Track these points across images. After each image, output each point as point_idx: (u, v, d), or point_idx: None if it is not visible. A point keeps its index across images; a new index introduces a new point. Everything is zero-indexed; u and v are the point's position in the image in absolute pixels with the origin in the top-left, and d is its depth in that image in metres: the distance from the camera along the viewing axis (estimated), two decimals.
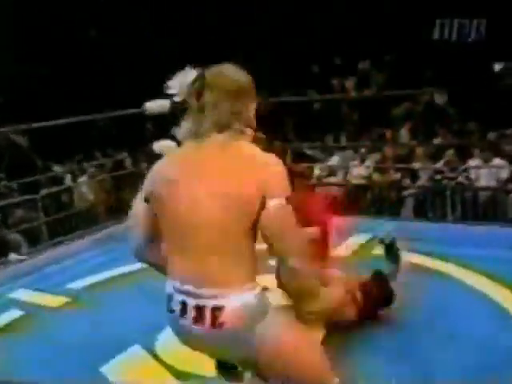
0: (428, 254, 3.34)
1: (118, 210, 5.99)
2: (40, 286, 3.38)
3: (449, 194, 5.35)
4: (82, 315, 2.93)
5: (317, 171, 6.38)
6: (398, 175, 6.05)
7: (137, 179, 5.76)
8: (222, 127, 1.36)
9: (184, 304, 1.35)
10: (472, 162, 5.82)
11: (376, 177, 6.10)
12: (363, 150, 6.48)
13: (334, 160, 6.61)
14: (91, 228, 4.80)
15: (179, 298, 1.37)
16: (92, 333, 2.68)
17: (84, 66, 10.40)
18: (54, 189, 6.27)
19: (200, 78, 1.38)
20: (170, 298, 1.40)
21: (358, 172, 6.15)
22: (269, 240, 1.30)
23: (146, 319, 2.71)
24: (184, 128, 1.39)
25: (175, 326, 1.40)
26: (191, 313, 1.33)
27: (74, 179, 7.43)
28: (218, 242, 1.31)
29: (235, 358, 1.40)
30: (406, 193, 5.79)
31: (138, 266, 3.47)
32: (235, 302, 1.30)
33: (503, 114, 6.85)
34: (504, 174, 5.45)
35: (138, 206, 1.49)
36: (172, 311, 1.39)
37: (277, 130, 8.70)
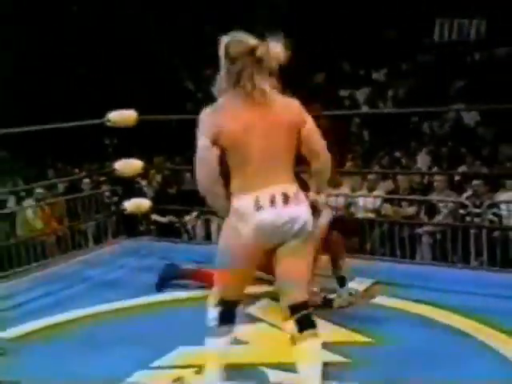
0: (450, 307, 3.37)
1: (72, 241, 6.03)
2: None
3: (473, 233, 5.40)
4: (13, 371, 2.92)
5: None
6: (412, 209, 6.11)
7: (96, 204, 5.73)
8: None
9: (273, 197, 2.28)
10: (503, 196, 5.90)
11: (386, 210, 6.16)
12: (372, 177, 6.56)
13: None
14: (35, 263, 4.80)
15: (266, 196, 2.28)
16: None
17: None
18: None
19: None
20: (256, 200, 2.28)
21: (365, 204, 6.21)
22: (307, 144, 2.39)
23: (94, 375, 2.73)
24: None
25: (262, 216, 2.28)
26: (280, 200, 2.28)
27: (19, 202, 7.46)
28: (284, 159, 2.35)
29: (295, 234, 2.32)
30: (421, 230, 5.84)
31: (87, 310, 3.55)
32: (297, 189, 2.37)
33: None
34: None
35: (205, 151, 2.32)
36: (260, 208, 2.28)
37: None
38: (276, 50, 2.30)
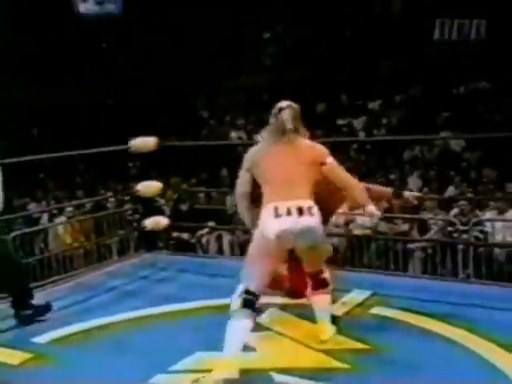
0: (439, 316, 3.34)
1: (98, 255, 6.04)
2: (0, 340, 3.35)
3: (461, 248, 5.37)
4: (46, 373, 2.92)
5: None
6: (405, 226, 6.09)
7: (120, 221, 5.76)
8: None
9: (289, 209, 2.68)
10: (487, 214, 5.87)
11: (382, 227, 6.14)
12: None
13: None
14: (65, 274, 4.81)
15: (284, 208, 2.69)
16: None
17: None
18: (28, 229, 6.29)
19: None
20: (275, 209, 2.70)
21: (362, 221, 6.19)
22: (333, 178, 2.85)
23: (118, 377, 2.72)
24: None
25: (282, 224, 2.70)
26: (295, 212, 2.68)
27: (51, 219, 7.49)
28: (301, 182, 2.78)
29: (308, 239, 2.76)
30: (413, 246, 5.82)
31: (112, 318, 3.54)
32: (312, 204, 2.76)
33: None
34: None
35: (242, 175, 2.98)
36: (278, 215, 2.68)
37: None
38: (285, 116, 2.88)
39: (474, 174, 7.81)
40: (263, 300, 3.37)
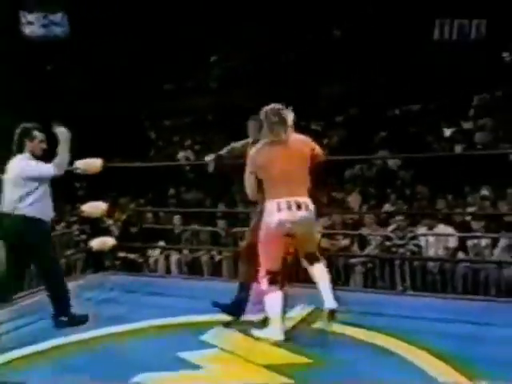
0: (377, 328, 3.39)
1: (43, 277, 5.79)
2: None
3: (398, 262, 5.49)
4: None
5: None
6: (346, 242, 6.18)
7: (68, 242, 5.52)
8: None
9: (289, 204, 3.21)
10: (420, 229, 6.04)
11: (324, 243, 6.20)
12: None
13: None
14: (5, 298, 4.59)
15: (285, 203, 3.21)
16: None
17: None
18: None
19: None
20: (278, 205, 3.22)
21: None
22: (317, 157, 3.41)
23: None
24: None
25: (281, 215, 3.23)
26: (294, 206, 3.20)
27: None
28: (299, 181, 3.28)
29: (305, 227, 3.30)
30: (354, 260, 5.90)
31: (56, 341, 3.40)
32: (308, 200, 3.28)
33: (454, 178, 7.24)
34: (452, 243, 5.66)
35: (248, 178, 3.39)
36: (280, 210, 3.21)
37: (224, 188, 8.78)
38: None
39: (409, 190, 8.03)
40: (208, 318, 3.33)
